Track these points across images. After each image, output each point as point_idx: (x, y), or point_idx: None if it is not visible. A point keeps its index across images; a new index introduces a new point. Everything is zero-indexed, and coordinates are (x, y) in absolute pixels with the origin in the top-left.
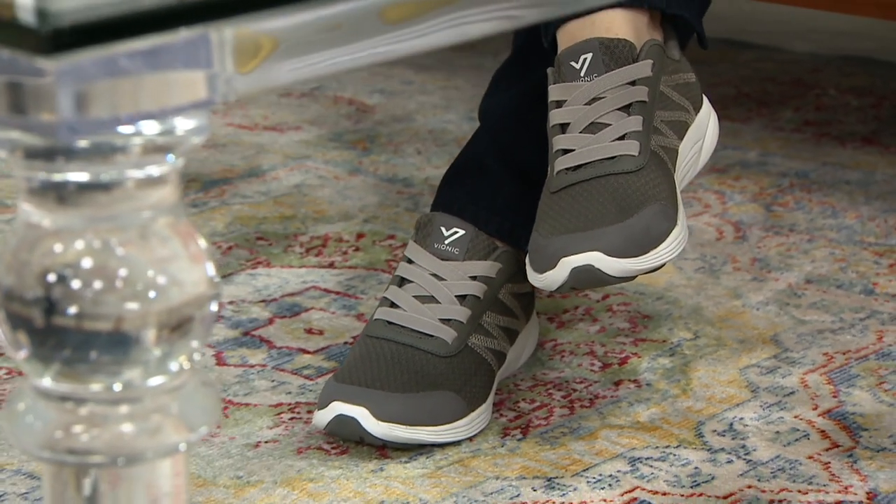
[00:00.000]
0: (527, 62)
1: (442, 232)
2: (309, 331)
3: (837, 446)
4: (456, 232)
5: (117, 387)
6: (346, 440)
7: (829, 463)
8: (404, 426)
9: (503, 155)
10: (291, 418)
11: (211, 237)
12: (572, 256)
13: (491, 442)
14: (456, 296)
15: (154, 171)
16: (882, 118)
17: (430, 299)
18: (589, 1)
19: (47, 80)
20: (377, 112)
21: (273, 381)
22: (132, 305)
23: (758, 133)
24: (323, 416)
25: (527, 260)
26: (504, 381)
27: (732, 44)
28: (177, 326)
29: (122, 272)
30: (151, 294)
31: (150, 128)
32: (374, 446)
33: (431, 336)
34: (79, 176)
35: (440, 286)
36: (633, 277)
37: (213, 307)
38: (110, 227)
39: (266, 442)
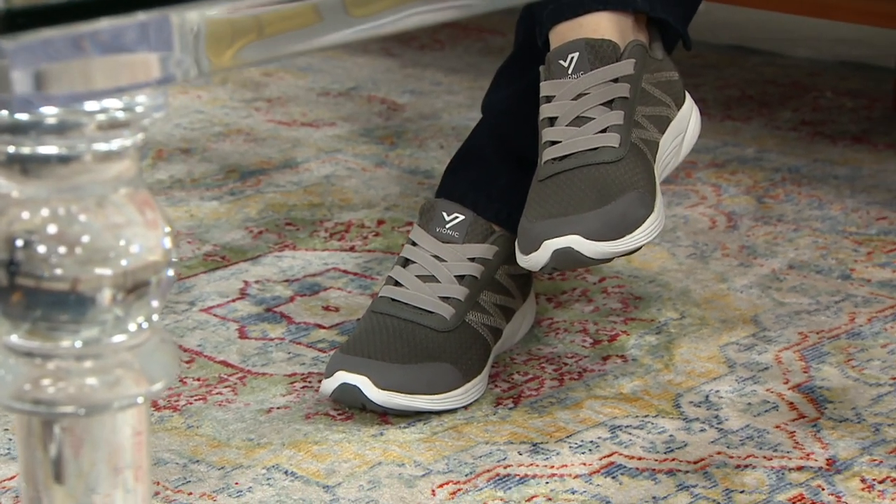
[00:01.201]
0: (525, 61)
1: (443, 217)
2: (326, 308)
3: (803, 417)
4: (456, 217)
5: (78, 343)
6: (351, 407)
7: (795, 432)
8: (403, 394)
9: (502, 146)
10: (303, 387)
11: (244, 223)
12: (554, 239)
13: (484, 410)
14: (455, 276)
15: (112, 145)
16: (873, 118)
17: (431, 278)
18: None
19: (2, 59)
20: (406, 110)
21: (289, 353)
22: (89, 268)
23: (757, 132)
24: (328, 385)
25: (516, 243)
26: (501, 355)
27: (740, 49)
28: (133, 288)
29: (83, 238)
30: (107, 258)
31: (108, 105)
32: (376, 413)
33: (431, 312)
34: (41, 149)
35: (440, 266)
36: (611, 259)
37: (170, 273)
38: (72, 196)
39: (278, 408)
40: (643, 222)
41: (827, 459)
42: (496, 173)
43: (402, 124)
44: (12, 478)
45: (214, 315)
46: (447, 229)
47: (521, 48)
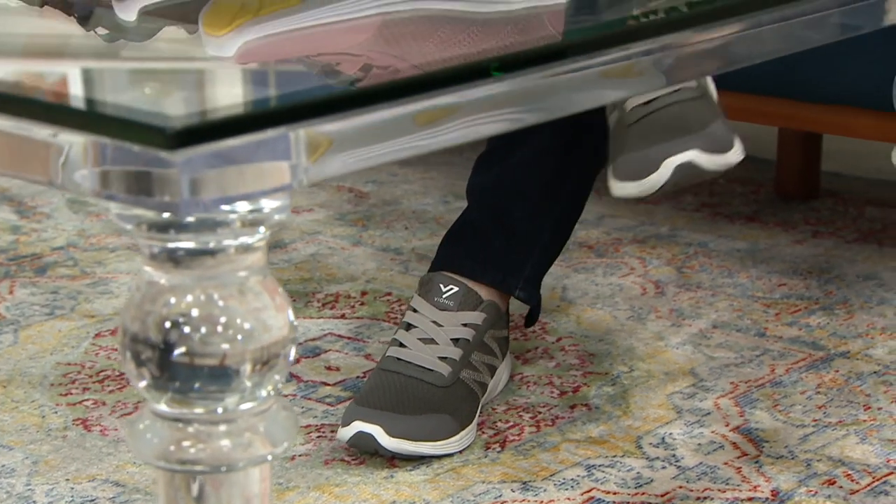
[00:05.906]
0: (501, 153)
1: (441, 288)
2: (328, 368)
3: (746, 454)
4: (452, 288)
5: (220, 410)
6: (364, 452)
7: (741, 468)
8: (410, 441)
9: (492, 218)
10: (318, 437)
11: None
12: (675, 156)
13: (477, 454)
14: (451, 339)
15: (248, 240)
16: (760, 201)
17: (431, 341)
18: (574, 105)
19: (171, 170)
20: (371, 198)
21: (302, 407)
22: (233, 345)
23: (668, 213)
24: (346, 432)
25: (612, 179)
26: (485, 406)
27: None
28: (266, 361)
29: (224, 319)
30: (247, 337)
31: (245, 207)
32: (385, 458)
33: (431, 370)
34: (189, 244)
35: (439, 331)
36: (721, 173)
37: (293, 347)
38: (214, 284)
39: (300, 455)
40: (736, 141)
41: (771, 491)
42: (489, 240)
43: (370, 209)
44: None
45: None
46: (444, 299)
47: (494, 146)
